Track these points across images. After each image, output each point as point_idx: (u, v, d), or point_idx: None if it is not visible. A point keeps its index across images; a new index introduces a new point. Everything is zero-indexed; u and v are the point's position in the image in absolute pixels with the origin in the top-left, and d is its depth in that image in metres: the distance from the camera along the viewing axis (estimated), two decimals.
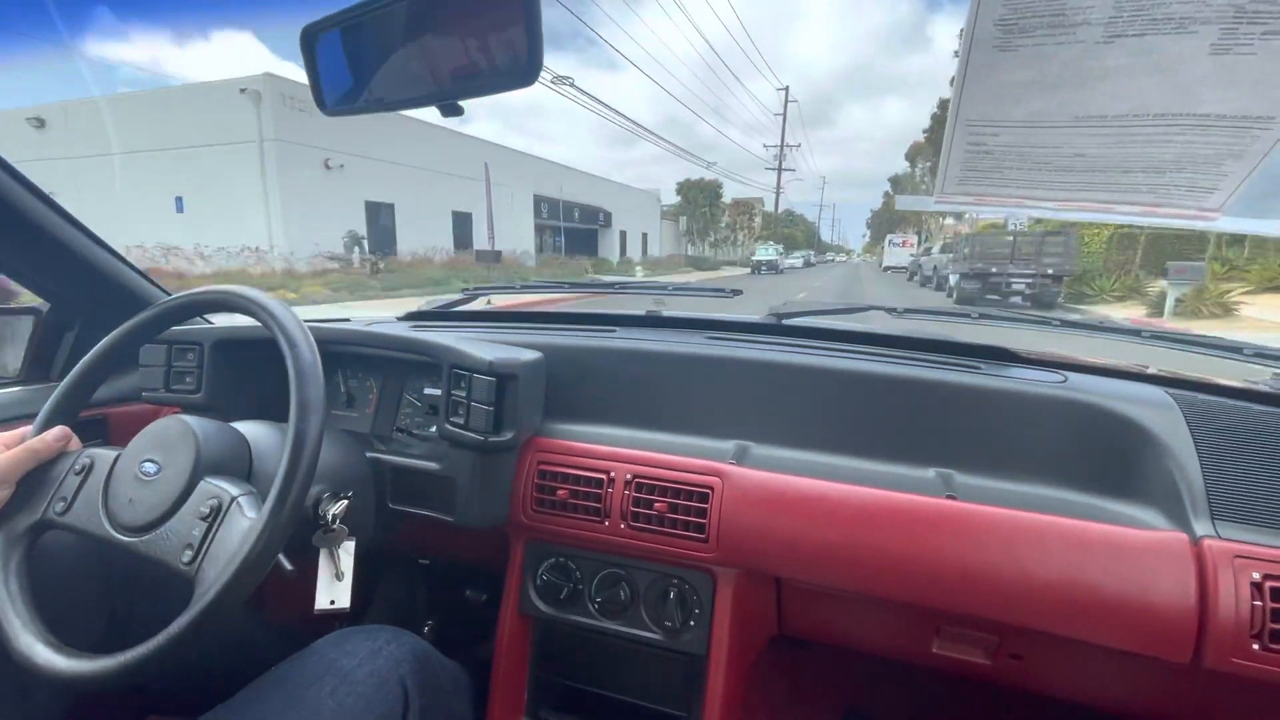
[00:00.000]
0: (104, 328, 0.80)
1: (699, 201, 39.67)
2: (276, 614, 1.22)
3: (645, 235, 35.32)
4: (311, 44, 0.59)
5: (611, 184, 31.47)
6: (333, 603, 0.78)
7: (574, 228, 27.79)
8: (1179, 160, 0.56)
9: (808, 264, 45.47)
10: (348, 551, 0.80)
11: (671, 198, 41.15)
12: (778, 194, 50.88)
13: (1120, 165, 0.59)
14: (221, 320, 1.12)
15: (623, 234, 32.08)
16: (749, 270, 32.89)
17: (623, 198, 31.97)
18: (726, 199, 44.49)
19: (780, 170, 50.05)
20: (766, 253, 35.16)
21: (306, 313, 1.06)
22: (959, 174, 0.64)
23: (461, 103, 0.51)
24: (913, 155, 42.34)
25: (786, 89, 51.44)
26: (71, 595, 0.79)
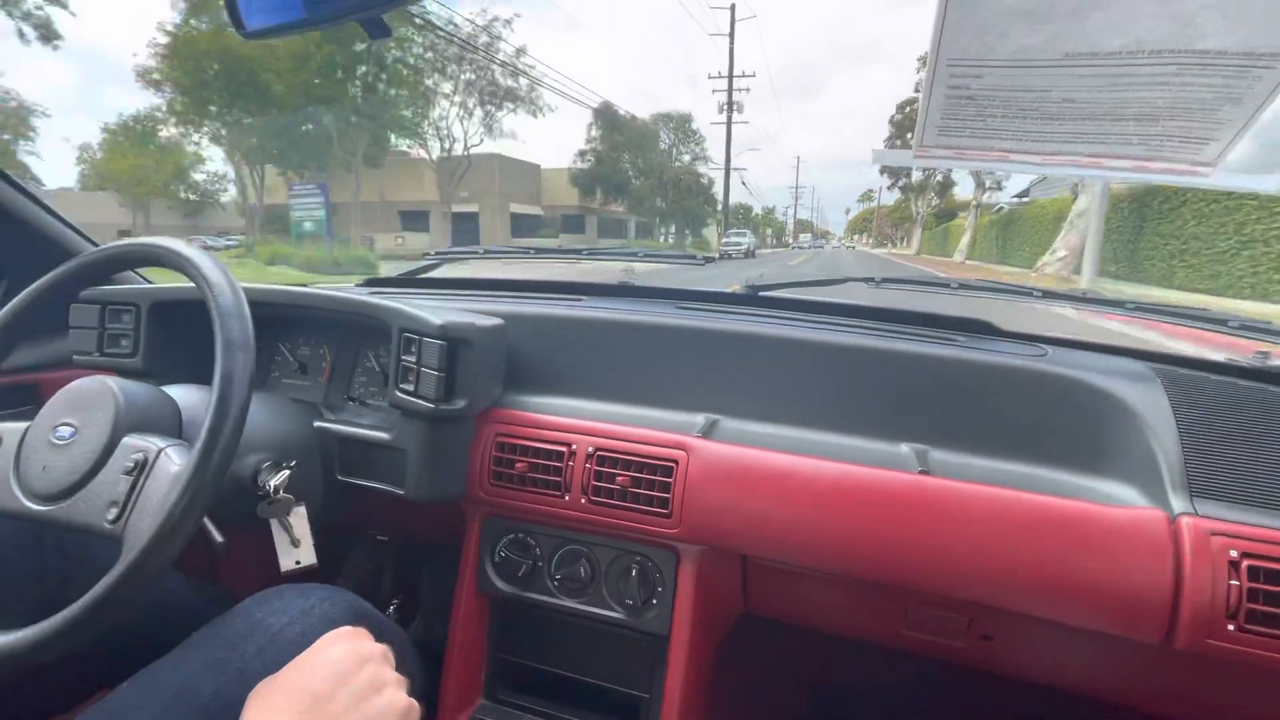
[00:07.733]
0: None
1: None
2: (235, 586, 1.17)
3: None
4: None
5: None
6: (298, 563, 0.76)
7: None
8: (1173, 106, 0.52)
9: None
10: (300, 517, 0.77)
11: None
12: (727, 164, 32.20)
13: (1111, 112, 0.54)
14: (166, 281, 1.06)
15: None
16: None
17: None
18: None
19: (730, 124, 31.85)
20: None
21: None
22: (939, 122, 0.60)
23: (387, 20, 0.46)
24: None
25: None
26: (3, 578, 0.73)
